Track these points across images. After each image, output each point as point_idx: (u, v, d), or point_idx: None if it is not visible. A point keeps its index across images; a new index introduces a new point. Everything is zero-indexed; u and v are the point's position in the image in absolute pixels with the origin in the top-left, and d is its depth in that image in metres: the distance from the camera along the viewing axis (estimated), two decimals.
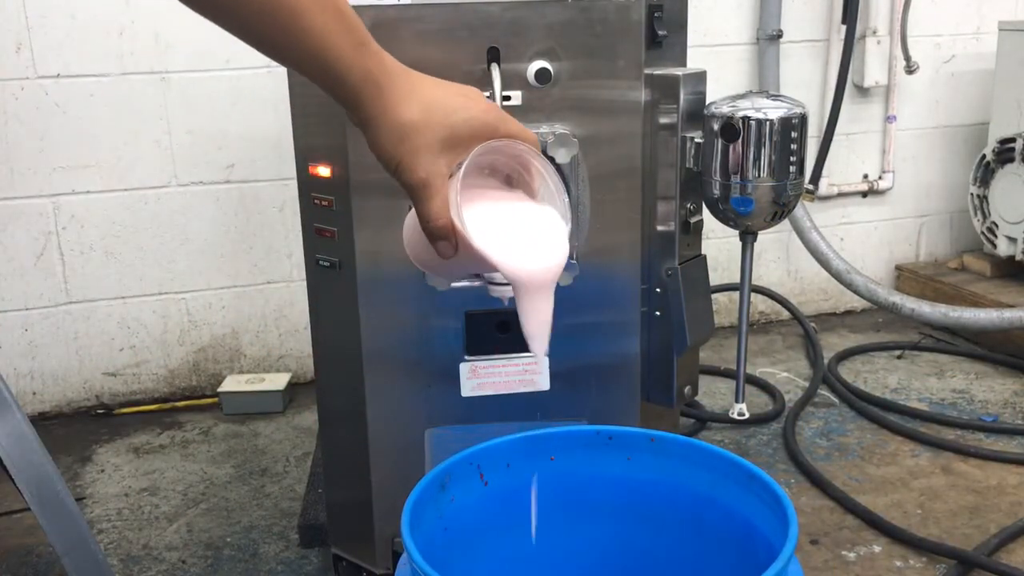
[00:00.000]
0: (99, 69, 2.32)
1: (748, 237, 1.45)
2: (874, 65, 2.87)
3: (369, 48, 0.74)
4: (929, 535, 1.78)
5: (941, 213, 3.15)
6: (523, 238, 0.79)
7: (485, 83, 1.27)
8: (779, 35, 2.74)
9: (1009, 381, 2.52)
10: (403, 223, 0.88)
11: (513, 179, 0.83)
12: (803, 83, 2.86)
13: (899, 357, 2.71)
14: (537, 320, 0.81)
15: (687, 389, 1.51)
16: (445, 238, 0.77)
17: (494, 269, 0.78)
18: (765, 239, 2.91)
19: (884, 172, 3.02)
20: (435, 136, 0.75)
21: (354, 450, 1.43)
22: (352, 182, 1.30)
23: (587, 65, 1.30)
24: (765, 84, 2.75)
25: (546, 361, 1.36)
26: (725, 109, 1.36)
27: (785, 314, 2.96)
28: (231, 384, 2.49)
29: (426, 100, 0.76)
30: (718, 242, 2.81)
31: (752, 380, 2.54)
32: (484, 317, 1.35)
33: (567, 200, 0.81)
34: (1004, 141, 2.78)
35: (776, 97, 1.38)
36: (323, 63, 0.73)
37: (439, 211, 0.76)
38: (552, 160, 1.24)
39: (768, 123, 1.33)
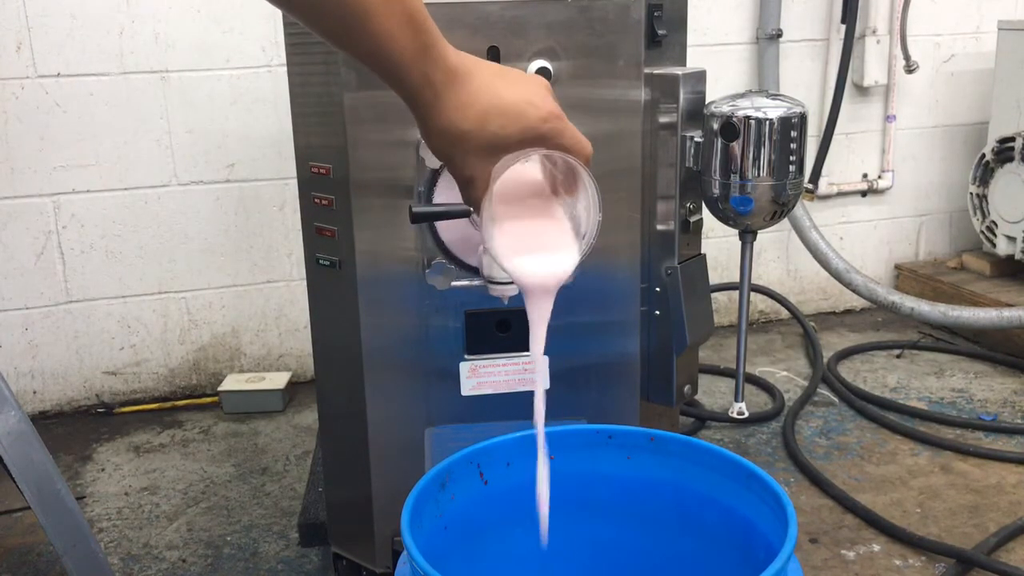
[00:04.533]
0: (99, 68, 2.32)
1: (748, 236, 1.45)
2: (874, 64, 2.87)
3: (433, 52, 0.76)
4: (928, 534, 1.79)
5: (940, 212, 3.15)
6: (535, 246, 0.85)
7: None
8: (779, 34, 2.74)
9: (1008, 380, 2.52)
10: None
11: (559, 178, 0.87)
12: (803, 82, 2.86)
13: (898, 356, 2.71)
14: (534, 318, 0.87)
15: (687, 388, 1.51)
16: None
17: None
18: (765, 238, 2.91)
19: (884, 171, 3.02)
20: (487, 143, 0.79)
21: (354, 449, 1.43)
22: (352, 181, 1.30)
23: (587, 64, 1.30)
24: (765, 83, 2.75)
25: (546, 360, 1.37)
26: (725, 108, 1.36)
27: (785, 313, 2.96)
28: (231, 383, 2.49)
29: (483, 108, 0.78)
30: (718, 241, 2.81)
31: (752, 379, 2.55)
32: (484, 316, 1.35)
33: (600, 219, 0.85)
34: (1003, 140, 2.78)
35: (776, 96, 1.38)
36: (385, 64, 0.75)
37: (478, 202, 0.82)
38: None
39: (768, 122, 1.33)
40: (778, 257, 3.00)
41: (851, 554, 1.75)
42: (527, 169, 0.86)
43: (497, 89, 0.79)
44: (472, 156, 0.79)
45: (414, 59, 0.75)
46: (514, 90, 0.80)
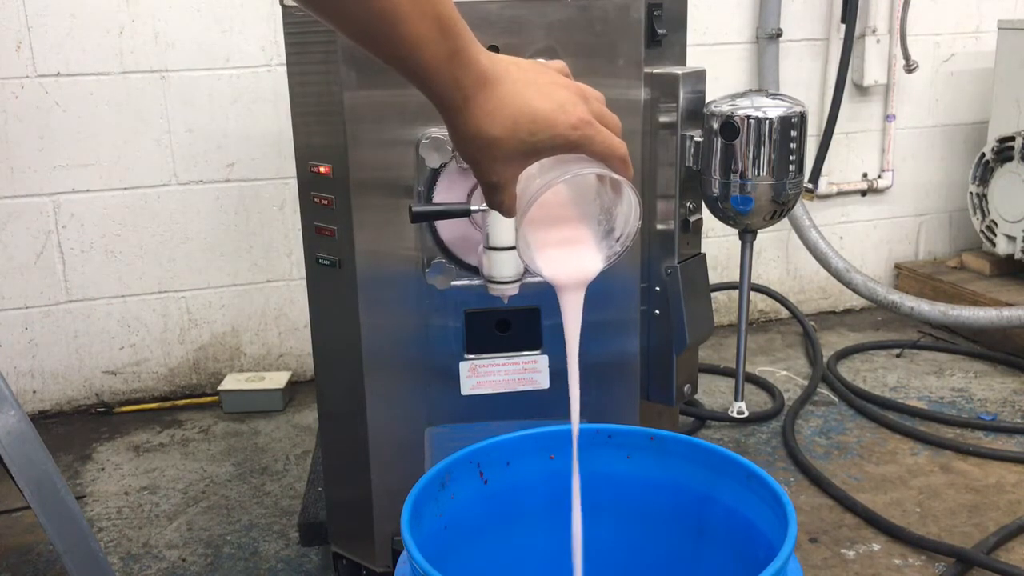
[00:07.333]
0: (99, 68, 2.32)
1: (747, 236, 1.45)
2: (873, 64, 2.87)
3: (463, 56, 0.75)
4: (928, 533, 1.79)
5: (940, 212, 3.15)
6: (564, 246, 0.89)
7: None
8: (779, 34, 2.74)
9: (1008, 380, 2.52)
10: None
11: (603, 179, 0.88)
12: (803, 82, 2.86)
13: (898, 356, 2.71)
14: (567, 315, 0.93)
15: (687, 387, 1.51)
16: (507, 218, 0.85)
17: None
18: (765, 238, 2.91)
19: (883, 171, 3.02)
20: (515, 150, 0.78)
21: (354, 448, 1.43)
22: (352, 181, 1.30)
23: (587, 64, 1.30)
24: (764, 83, 2.75)
25: (546, 359, 1.37)
26: (725, 108, 1.36)
27: (784, 313, 2.96)
28: (231, 382, 2.49)
29: (513, 115, 0.77)
30: (718, 241, 2.81)
31: (751, 379, 2.55)
32: (484, 316, 1.35)
33: (638, 225, 0.86)
34: (1003, 140, 2.78)
35: (775, 96, 1.38)
36: (414, 69, 0.75)
37: (501, 204, 0.82)
38: None
39: (767, 122, 1.33)
40: (778, 257, 3.00)
41: (851, 553, 1.75)
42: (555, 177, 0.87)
43: (527, 96, 0.78)
44: (500, 162, 0.79)
45: (444, 63, 0.74)
46: (545, 96, 0.79)
